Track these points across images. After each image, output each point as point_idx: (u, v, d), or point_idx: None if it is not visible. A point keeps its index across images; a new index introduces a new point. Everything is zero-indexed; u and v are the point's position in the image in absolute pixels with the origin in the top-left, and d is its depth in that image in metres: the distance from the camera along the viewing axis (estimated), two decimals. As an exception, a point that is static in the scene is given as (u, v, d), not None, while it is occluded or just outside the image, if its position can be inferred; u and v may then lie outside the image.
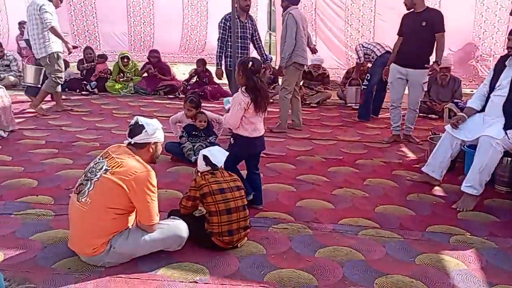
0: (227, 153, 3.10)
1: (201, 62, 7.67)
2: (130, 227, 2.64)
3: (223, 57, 5.52)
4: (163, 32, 9.12)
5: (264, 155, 4.66)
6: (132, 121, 2.68)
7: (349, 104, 7.03)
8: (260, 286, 2.47)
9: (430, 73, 4.96)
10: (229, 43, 5.26)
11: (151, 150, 2.71)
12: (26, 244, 2.82)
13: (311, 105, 7.21)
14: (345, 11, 8.27)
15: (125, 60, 7.63)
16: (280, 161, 4.57)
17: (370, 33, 8.29)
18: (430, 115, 6.50)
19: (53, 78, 5.91)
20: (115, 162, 2.54)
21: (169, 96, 7.53)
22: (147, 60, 7.89)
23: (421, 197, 3.77)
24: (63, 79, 6.18)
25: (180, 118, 4.72)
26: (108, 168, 2.52)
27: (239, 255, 2.77)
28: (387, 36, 6.40)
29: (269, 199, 3.62)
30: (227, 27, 5.24)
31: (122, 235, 2.57)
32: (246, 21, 5.24)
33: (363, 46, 6.51)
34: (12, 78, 7.51)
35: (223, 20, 5.29)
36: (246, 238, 2.91)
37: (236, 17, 4.99)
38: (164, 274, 2.54)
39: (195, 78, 7.74)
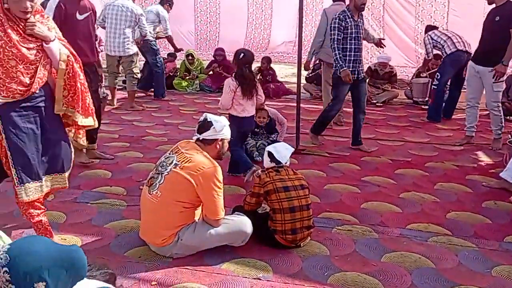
0: (293, 149, 3.09)
1: (266, 60, 7.71)
2: (197, 220, 2.73)
3: (342, 60, 4.60)
4: (228, 30, 9.30)
5: (327, 155, 4.60)
6: (201, 118, 2.75)
7: (415, 99, 6.65)
8: (324, 287, 2.44)
9: (495, 75, 4.53)
10: (348, 46, 4.62)
11: (218, 146, 2.77)
12: (101, 231, 3.00)
13: (377, 104, 6.99)
14: (415, 6, 7.91)
15: (190, 58, 7.87)
16: (344, 161, 4.47)
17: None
18: (508, 117, 6.03)
19: (133, 76, 6.33)
20: (184, 157, 2.63)
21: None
22: (212, 59, 8.08)
23: (498, 204, 3.51)
24: (139, 76, 6.61)
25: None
26: (178, 163, 2.61)
27: (302, 255, 2.75)
28: (462, 34, 5.99)
29: (332, 199, 3.56)
30: (342, 27, 4.57)
31: (189, 228, 2.65)
32: (358, 20, 4.67)
33: (431, 38, 5.98)
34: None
35: (336, 20, 4.58)
36: (309, 238, 2.88)
37: (350, 16, 4.55)
38: (228, 268, 2.59)
39: (258, 76, 7.80)
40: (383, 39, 5.65)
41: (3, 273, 1.19)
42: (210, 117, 2.72)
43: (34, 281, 1.20)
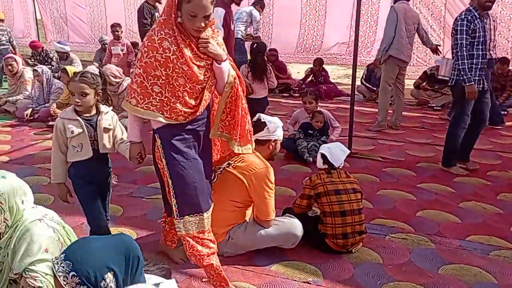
0: (348, 151, 3.03)
1: (318, 62, 7.63)
2: (248, 220, 2.74)
3: (469, 71, 3.87)
4: (281, 31, 9.27)
5: (381, 159, 4.47)
6: (255, 118, 2.76)
7: (440, 77, 5.99)
8: (376, 296, 2.36)
9: None
10: (475, 52, 3.87)
11: (270, 147, 2.77)
12: (155, 226, 3.09)
13: (435, 108, 6.68)
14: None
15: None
16: (398, 166, 4.31)
17: (509, 31, 7.37)
18: None
19: None
20: (237, 156, 2.64)
21: (283, 94, 7.65)
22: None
23: None
24: None
25: (298, 116, 4.74)
26: (231, 162, 2.63)
27: (354, 261, 2.68)
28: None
29: (386, 205, 3.45)
30: (470, 30, 3.83)
31: (240, 227, 2.67)
32: (486, 20, 3.92)
33: None
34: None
35: (464, 22, 3.83)
36: (361, 244, 2.81)
37: (477, 16, 3.85)
38: (278, 270, 2.58)
39: (310, 77, 7.74)
40: (439, 45, 5.40)
41: (72, 277, 1.25)
42: (264, 117, 2.72)
43: (103, 274, 1.25)
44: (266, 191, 2.59)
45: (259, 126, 2.70)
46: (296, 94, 7.49)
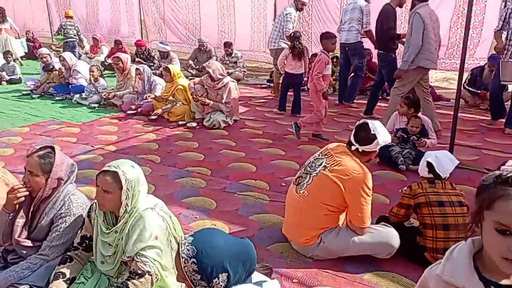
0: (458, 162, 2.82)
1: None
2: (340, 225, 2.68)
3: None
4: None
5: (486, 171, 4.09)
6: (359, 123, 2.66)
7: (503, 82, 5.33)
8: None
9: None
10: None
11: (371, 155, 2.68)
12: (246, 222, 3.17)
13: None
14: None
15: (335, 60, 7.79)
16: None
17: None
18: None
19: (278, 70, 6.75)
20: (334, 160, 2.60)
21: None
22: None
23: None
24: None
25: (392, 121, 4.54)
26: (327, 165, 2.60)
27: (455, 279, 2.48)
28: None
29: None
30: None
31: (332, 231, 2.63)
32: None
33: None
34: (239, 74, 8.58)
35: None
36: (463, 262, 2.59)
37: None
38: (371, 280, 2.49)
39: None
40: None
41: (191, 263, 1.32)
42: (374, 128, 2.59)
43: (219, 272, 1.31)
44: (363, 197, 2.52)
45: (368, 139, 2.60)
46: (389, 97, 7.16)
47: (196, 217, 3.25)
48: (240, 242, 1.41)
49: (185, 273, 1.35)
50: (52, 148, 2.26)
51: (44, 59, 7.54)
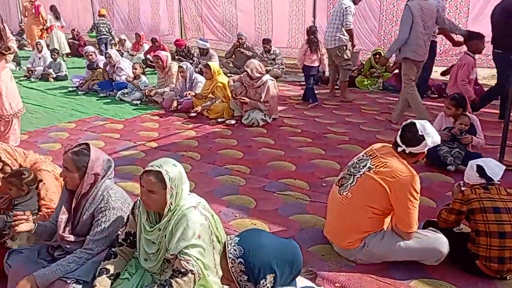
0: (504, 167, 2.66)
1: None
2: (385, 229, 2.59)
3: None
4: None
5: None
6: (406, 123, 2.56)
7: None
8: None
9: None
10: None
11: (418, 157, 2.57)
12: (286, 222, 3.13)
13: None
14: None
15: (377, 56, 7.59)
16: None
17: None
18: None
19: (344, 67, 6.65)
20: (380, 161, 2.51)
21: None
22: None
23: None
24: (352, 68, 6.99)
25: (439, 122, 4.34)
26: (372, 167, 2.51)
27: (509, 290, 2.35)
28: None
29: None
30: None
31: (377, 235, 2.54)
32: None
33: None
34: (277, 71, 8.52)
35: None
36: (519, 272, 2.44)
37: None
38: (417, 287, 2.39)
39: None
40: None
41: (238, 263, 1.30)
42: (423, 129, 2.48)
43: (266, 273, 1.28)
44: (410, 201, 2.42)
45: (416, 140, 2.48)
46: (434, 95, 6.91)
47: (235, 216, 3.24)
48: (287, 243, 1.37)
49: (231, 274, 1.33)
50: (87, 145, 2.31)
51: (90, 57, 7.79)
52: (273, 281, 1.29)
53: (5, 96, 4.36)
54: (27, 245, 2.47)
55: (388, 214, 2.57)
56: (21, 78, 8.62)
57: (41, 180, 2.61)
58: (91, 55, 7.80)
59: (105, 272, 2.11)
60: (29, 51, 11.83)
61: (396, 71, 7.47)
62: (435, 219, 2.74)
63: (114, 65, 7.36)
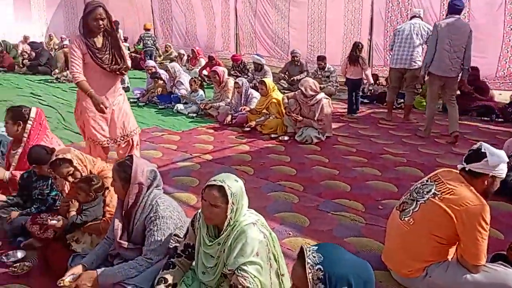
0: None
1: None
2: (450, 259, 2.46)
3: None
4: (477, 50, 8.11)
5: None
6: (475, 146, 2.45)
7: None
8: None
9: None
10: None
11: (486, 183, 2.42)
12: (342, 244, 3.04)
13: None
14: None
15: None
16: None
17: None
18: None
19: (414, 90, 6.56)
20: (446, 187, 2.40)
21: (483, 118, 6.76)
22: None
23: None
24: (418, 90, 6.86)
25: (510, 145, 4.09)
26: (437, 193, 2.40)
27: None
28: None
29: None
30: None
31: (440, 265, 2.41)
32: None
33: None
34: (331, 89, 8.46)
35: None
36: None
37: None
38: (485, 325, 2.23)
39: (519, 100, 6.66)
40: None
41: (317, 270, 1.28)
42: (486, 148, 2.38)
43: (343, 285, 1.26)
44: (479, 232, 2.28)
45: (476, 156, 2.38)
46: (500, 119, 6.55)
47: (289, 233, 3.21)
48: (363, 262, 1.35)
49: (308, 281, 1.29)
50: (131, 156, 2.42)
51: (150, 71, 8.15)
52: None
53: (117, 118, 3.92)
54: (91, 249, 2.59)
55: (453, 244, 2.44)
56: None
57: (107, 188, 2.74)
58: (151, 69, 8.15)
59: (163, 282, 2.16)
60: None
61: (458, 92, 7.18)
62: (505, 252, 2.56)
63: (175, 78, 7.64)
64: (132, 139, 4.06)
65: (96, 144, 3.85)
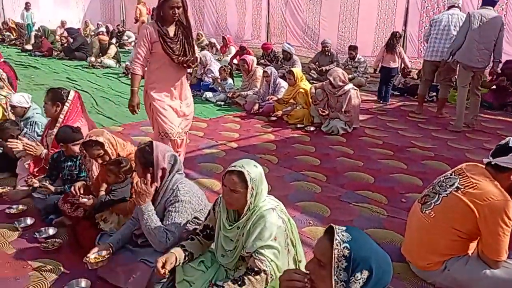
0: None
1: None
2: (470, 254, 2.43)
3: None
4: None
5: None
6: (503, 141, 2.40)
7: None
8: None
9: None
10: None
11: (510, 177, 2.36)
12: (361, 235, 3.06)
13: None
14: None
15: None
16: None
17: None
18: None
19: (449, 83, 6.30)
20: (470, 182, 2.36)
21: (519, 113, 6.53)
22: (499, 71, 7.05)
23: None
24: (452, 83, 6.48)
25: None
26: (460, 187, 2.37)
27: None
28: None
29: None
30: None
31: (460, 259, 2.39)
32: None
33: None
34: (361, 80, 8.34)
35: None
36: None
37: None
38: (503, 321, 2.20)
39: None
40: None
41: (343, 247, 1.31)
42: None
43: (364, 268, 1.29)
44: (501, 227, 2.24)
45: (504, 150, 2.33)
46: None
47: (309, 223, 3.25)
48: (385, 254, 1.38)
49: (332, 255, 1.32)
50: (151, 142, 2.53)
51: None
52: (365, 280, 1.29)
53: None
54: (117, 229, 2.71)
55: (474, 239, 2.40)
56: (120, 75, 9.39)
57: (135, 170, 2.85)
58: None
59: (181, 247, 2.23)
60: (129, 50, 12.86)
61: (494, 87, 6.95)
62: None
63: (205, 66, 7.73)
64: (185, 138, 3.95)
65: (166, 139, 3.71)
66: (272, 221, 2.05)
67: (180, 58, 3.58)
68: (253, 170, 2.10)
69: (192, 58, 3.66)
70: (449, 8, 6.21)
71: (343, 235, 1.32)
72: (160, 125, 3.72)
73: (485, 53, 5.29)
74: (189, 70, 6.03)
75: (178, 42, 3.57)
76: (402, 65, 7.45)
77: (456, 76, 6.21)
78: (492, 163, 2.38)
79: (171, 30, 3.56)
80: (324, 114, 5.57)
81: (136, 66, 3.58)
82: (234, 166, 2.10)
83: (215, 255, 2.30)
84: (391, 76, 7.18)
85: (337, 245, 1.32)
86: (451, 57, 5.54)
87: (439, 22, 6.07)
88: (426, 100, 6.92)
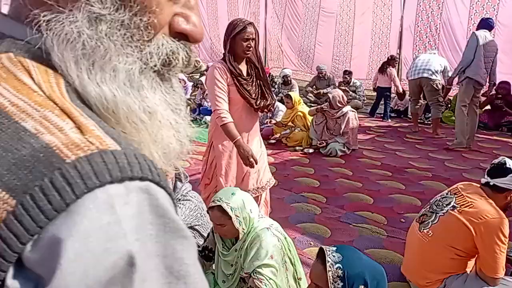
0: None
1: None
2: (468, 272, 2.46)
3: None
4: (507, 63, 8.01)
5: None
6: (497, 161, 2.47)
7: None
8: None
9: None
10: None
11: (508, 198, 2.43)
12: (361, 255, 3.09)
13: None
14: None
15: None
16: None
17: None
18: None
19: (439, 103, 6.49)
20: (465, 200, 2.42)
21: (514, 133, 6.63)
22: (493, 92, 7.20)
23: None
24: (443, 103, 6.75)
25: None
26: (457, 206, 2.43)
27: None
28: None
29: None
30: None
31: (459, 278, 2.42)
32: None
33: None
34: (358, 102, 8.48)
35: None
36: None
37: None
38: None
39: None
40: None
41: (336, 268, 1.37)
42: (510, 163, 2.39)
43: (360, 283, 1.34)
44: (497, 245, 2.28)
45: (501, 170, 2.39)
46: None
47: (310, 244, 3.28)
48: (377, 264, 1.43)
49: (328, 279, 1.38)
50: None
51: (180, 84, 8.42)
52: None
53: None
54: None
55: (472, 257, 2.44)
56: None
57: None
58: (181, 81, 8.40)
59: None
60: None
61: (488, 107, 7.08)
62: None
63: (204, 91, 7.88)
64: (261, 194, 3.08)
65: None
66: (268, 240, 2.09)
67: (258, 102, 2.85)
68: (232, 199, 2.13)
69: (274, 102, 2.99)
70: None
71: (334, 256, 1.37)
72: (218, 183, 2.94)
73: (486, 71, 5.49)
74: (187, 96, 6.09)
75: (254, 84, 2.84)
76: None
77: (438, 97, 6.37)
78: (491, 183, 2.44)
79: (243, 68, 2.82)
80: (324, 107, 5.77)
81: (223, 114, 2.71)
82: (213, 201, 2.14)
83: (216, 281, 2.34)
84: (384, 94, 7.67)
85: (329, 267, 1.37)
86: (457, 74, 5.62)
87: (420, 58, 6.61)
88: (422, 121, 7.05)
